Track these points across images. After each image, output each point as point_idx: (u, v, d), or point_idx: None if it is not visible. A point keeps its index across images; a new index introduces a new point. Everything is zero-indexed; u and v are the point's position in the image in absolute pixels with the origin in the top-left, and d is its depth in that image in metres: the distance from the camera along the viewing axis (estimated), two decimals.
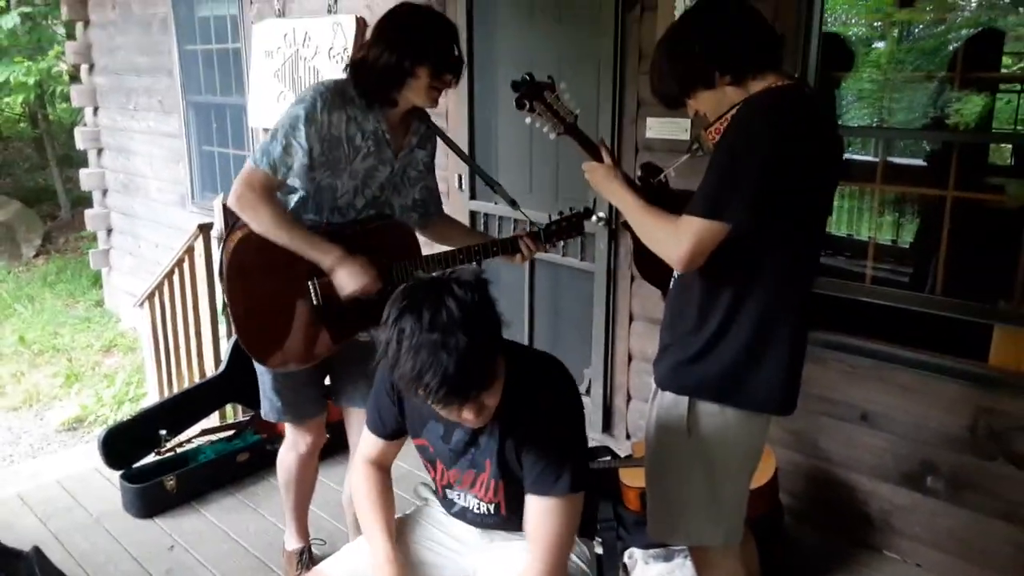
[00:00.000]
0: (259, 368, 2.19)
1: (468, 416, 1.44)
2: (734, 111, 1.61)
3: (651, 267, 1.81)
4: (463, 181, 3.85)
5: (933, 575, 2.62)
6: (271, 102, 4.59)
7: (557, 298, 3.67)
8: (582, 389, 3.57)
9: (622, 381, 3.42)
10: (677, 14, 2.87)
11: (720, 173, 1.54)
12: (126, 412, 5.27)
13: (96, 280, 7.95)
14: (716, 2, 1.68)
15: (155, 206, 6.27)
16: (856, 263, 3.74)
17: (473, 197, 3.84)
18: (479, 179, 3.80)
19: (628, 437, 3.45)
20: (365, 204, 2.11)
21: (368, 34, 2.09)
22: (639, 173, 1.89)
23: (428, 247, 2.22)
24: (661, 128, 3.04)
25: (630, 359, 3.38)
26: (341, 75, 2.06)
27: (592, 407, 3.52)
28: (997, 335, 2.51)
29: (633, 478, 2.55)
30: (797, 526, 2.84)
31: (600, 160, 1.82)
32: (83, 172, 7.04)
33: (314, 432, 2.34)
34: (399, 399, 1.67)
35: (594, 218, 3.21)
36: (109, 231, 7.03)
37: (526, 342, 3.79)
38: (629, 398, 3.43)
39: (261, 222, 1.97)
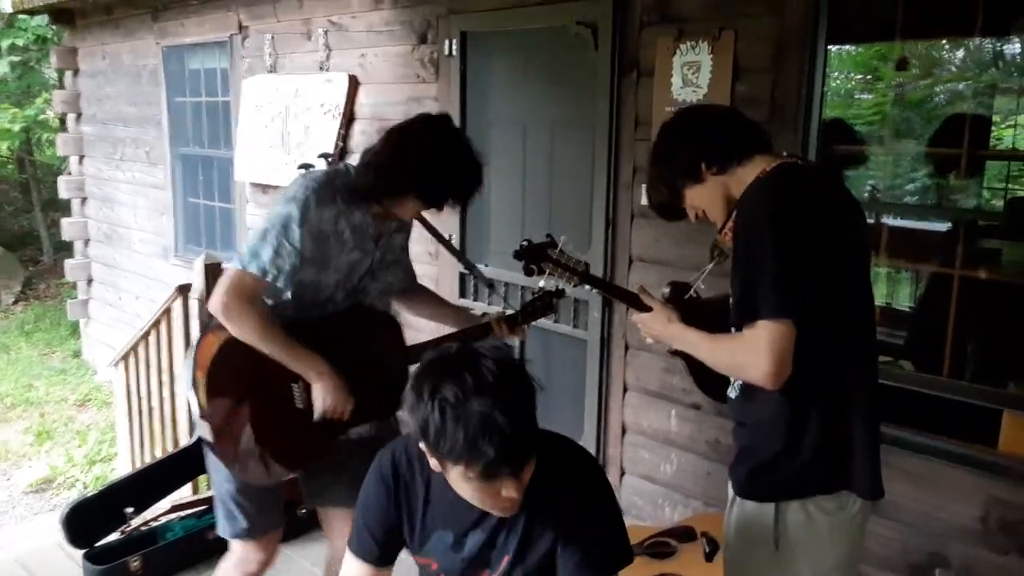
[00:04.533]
0: (220, 476, 2.02)
1: (511, 494, 1.31)
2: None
3: (706, 379, 1.73)
4: (453, 242, 3.75)
5: None
6: (259, 155, 4.52)
7: (548, 366, 3.54)
8: None
9: (615, 454, 3.28)
10: (674, 80, 2.83)
11: (751, 270, 1.43)
12: (96, 473, 5.05)
13: (74, 330, 7.77)
14: (694, 107, 1.75)
15: (137, 257, 6.14)
16: None
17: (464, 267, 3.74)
18: (469, 241, 3.71)
19: (625, 514, 3.29)
20: (344, 296, 2.01)
21: (384, 137, 1.95)
22: (666, 292, 1.79)
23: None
24: None
25: (624, 432, 3.25)
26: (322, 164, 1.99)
27: None
28: (1007, 421, 2.40)
29: (629, 570, 2.38)
30: None
31: (644, 308, 1.72)
32: (65, 221, 6.92)
33: (270, 549, 2.12)
34: (399, 505, 1.52)
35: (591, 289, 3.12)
36: (90, 281, 6.88)
37: None
38: (623, 472, 3.28)
39: (246, 332, 1.85)
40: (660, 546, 2.48)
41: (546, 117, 3.35)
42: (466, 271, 2.25)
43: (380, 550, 1.55)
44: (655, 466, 3.16)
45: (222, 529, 2.06)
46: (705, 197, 1.59)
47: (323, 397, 1.89)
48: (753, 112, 2.66)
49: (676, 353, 1.72)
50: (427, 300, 2.33)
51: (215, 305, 1.85)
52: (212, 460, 1.98)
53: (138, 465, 4.06)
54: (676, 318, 1.65)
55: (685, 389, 3.01)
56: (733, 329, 1.48)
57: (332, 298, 1.97)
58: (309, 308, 1.95)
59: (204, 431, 1.91)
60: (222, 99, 5.08)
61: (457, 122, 3.59)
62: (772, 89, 2.63)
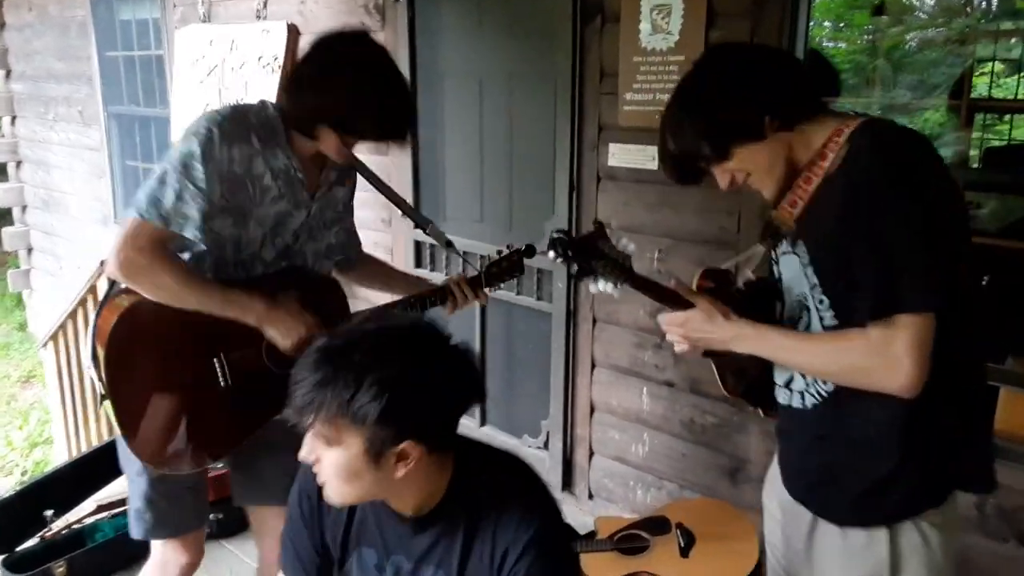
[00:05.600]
0: (132, 469, 1.75)
1: None
2: (825, 168, 1.24)
3: (742, 382, 1.46)
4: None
5: None
6: (196, 115, 4.16)
7: (512, 341, 3.30)
8: (539, 442, 3.22)
9: (583, 434, 3.07)
10: (643, 26, 2.54)
11: (886, 253, 1.14)
12: (37, 457, 4.77)
13: (19, 301, 7.37)
14: (743, 44, 1.38)
15: (76, 224, 5.76)
16: None
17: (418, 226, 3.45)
18: (424, 205, 3.44)
19: (591, 497, 3.10)
20: (275, 256, 1.73)
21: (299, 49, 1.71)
22: (702, 282, 1.45)
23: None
24: (625, 156, 2.70)
25: (592, 410, 3.03)
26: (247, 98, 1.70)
27: (550, 462, 3.16)
28: (1004, 398, 2.22)
29: (599, 568, 2.19)
30: None
31: (686, 304, 1.34)
32: (0, 187, 6.49)
33: (191, 550, 1.87)
34: (323, 518, 1.32)
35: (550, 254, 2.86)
36: (29, 250, 6.48)
37: None
38: (592, 453, 3.08)
39: (160, 288, 1.57)
40: (632, 540, 2.28)
41: (503, 69, 3.05)
42: (422, 231, 1.97)
43: (309, 569, 1.35)
44: (626, 447, 2.96)
45: (134, 529, 1.80)
46: (762, 159, 1.27)
47: (282, 335, 1.63)
48: None
49: (709, 354, 1.40)
50: (376, 268, 2.08)
51: (113, 266, 1.56)
52: (122, 449, 1.71)
53: (74, 453, 3.78)
54: (731, 313, 1.31)
55: (657, 365, 2.79)
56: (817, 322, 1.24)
57: (259, 256, 1.70)
58: (232, 269, 1.68)
59: (109, 412, 1.65)
60: (155, 52, 4.68)
61: (406, 75, 3.29)
62: (751, 37, 2.35)
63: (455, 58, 3.22)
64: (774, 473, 1.52)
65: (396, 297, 1.90)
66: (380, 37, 3.38)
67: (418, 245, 3.47)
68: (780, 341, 1.28)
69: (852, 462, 1.29)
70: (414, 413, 1.11)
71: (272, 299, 1.64)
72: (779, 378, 1.40)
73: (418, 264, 3.47)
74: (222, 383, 1.65)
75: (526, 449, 3.27)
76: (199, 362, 1.64)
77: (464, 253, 3.22)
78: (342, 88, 1.57)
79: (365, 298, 2.31)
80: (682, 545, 2.21)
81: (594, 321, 2.93)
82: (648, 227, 2.70)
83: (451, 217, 3.37)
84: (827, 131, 1.26)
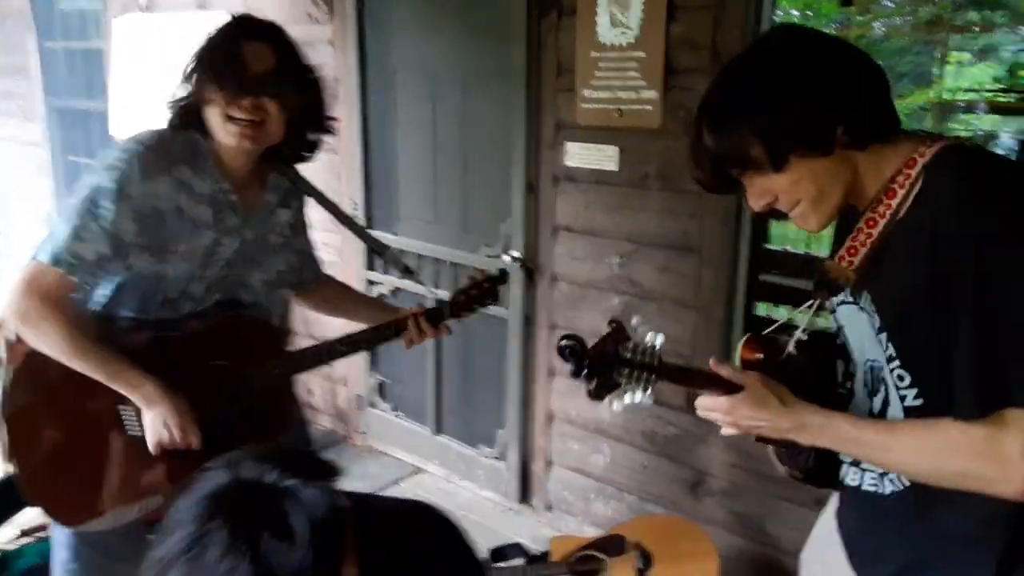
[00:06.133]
0: (56, 535, 1.61)
1: None
2: (893, 207, 1.02)
3: (806, 459, 1.24)
4: (355, 210, 3.30)
5: None
6: (138, 110, 3.95)
7: (467, 348, 3.17)
8: (495, 453, 3.09)
9: (541, 444, 2.96)
10: (600, 20, 2.42)
11: (998, 329, 0.93)
12: None
13: None
14: (808, 29, 1.10)
15: (20, 224, 5.50)
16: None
17: (371, 226, 3.31)
18: (375, 206, 3.29)
19: (549, 509, 2.99)
20: (207, 289, 1.58)
21: None
22: (749, 354, 1.20)
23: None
24: (584, 155, 2.58)
25: (551, 420, 2.92)
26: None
27: (507, 473, 3.04)
28: None
29: None
30: None
31: (730, 387, 1.10)
32: None
33: None
34: None
35: (509, 257, 2.75)
36: None
37: (431, 399, 3.29)
38: (550, 464, 2.96)
39: (45, 343, 1.44)
40: (587, 561, 2.17)
41: (457, 63, 2.91)
42: (379, 256, 1.81)
43: None
44: (585, 458, 2.84)
45: None
46: (820, 180, 1.03)
47: (154, 427, 1.49)
48: (692, 59, 2.29)
49: (763, 439, 1.16)
50: (336, 293, 1.92)
51: (10, 311, 1.44)
52: None
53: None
54: (790, 395, 1.09)
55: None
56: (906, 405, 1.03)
57: (188, 294, 1.56)
58: (156, 308, 1.53)
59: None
60: (96, 44, 4.46)
61: (355, 70, 3.15)
62: (713, 30, 2.25)
63: (407, 52, 3.07)
64: (824, 537, 1.34)
65: (358, 326, 1.74)
66: (327, 29, 3.23)
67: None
68: (856, 435, 1.05)
69: (948, 558, 1.08)
70: None
71: (165, 384, 1.49)
72: (847, 456, 1.20)
73: (370, 266, 3.32)
74: (131, 432, 1.53)
75: (482, 460, 3.14)
76: (105, 408, 1.51)
77: (418, 258, 3.09)
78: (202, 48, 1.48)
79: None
80: (639, 567, 2.10)
81: (553, 327, 2.82)
82: (609, 231, 2.58)
83: (404, 217, 3.23)
84: (900, 158, 1.03)
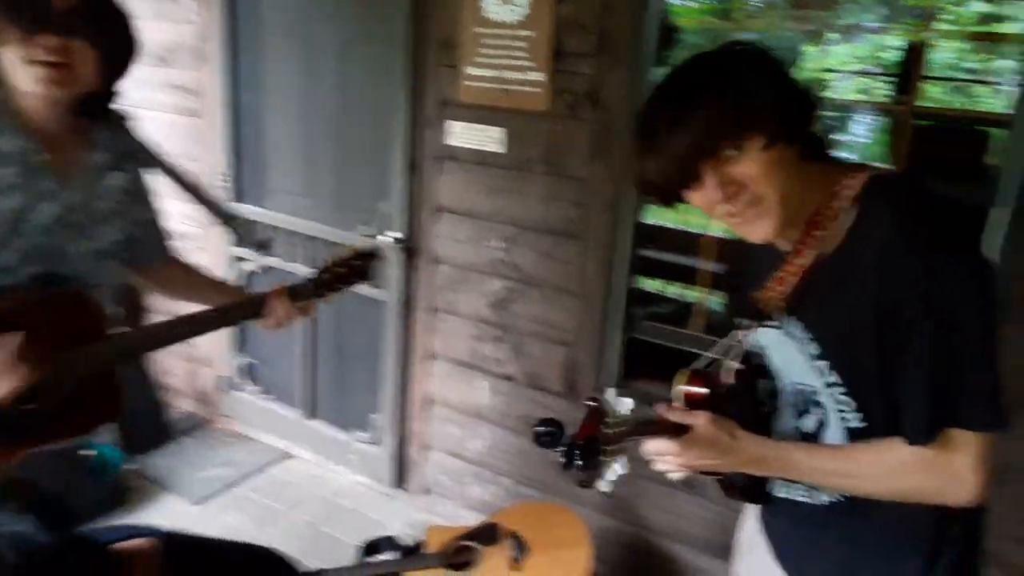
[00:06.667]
0: None
1: None
2: (820, 237, 1.03)
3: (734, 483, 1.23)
4: (221, 181, 3.09)
5: None
6: None
7: (342, 330, 3.05)
8: (369, 438, 3.00)
9: (419, 429, 2.89)
10: None
11: (946, 358, 0.96)
12: None
13: None
14: (737, 47, 1.06)
15: None
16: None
17: (239, 199, 3.10)
18: (244, 179, 3.08)
19: (427, 493, 2.93)
20: (21, 260, 1.38)
21: None
22: (693, 392, 1.16)
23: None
24: (468, 135, 2.50)
25: (428, 404, 2.85)
26: None
27: (381, 458, 2.96)
28: None
29: None
30: None
31: (676, 429, 1.06)
32: None
33: None
34: None
35: (390, 238, 2.64)
36: None
37: (302, 382, 3.15)
38: (427, 448, 2.90)
39: None
40: (461, 553, 2.13)
41: (336, 29, 2.75)
42: (222, 222, 1.65)
43: None
44: (464, 442, 2.81)
45: None
46: (775, 173, 1.00)
47: None
48: (580, 42, 2.25)
49: (709, 472, 1.14)
50: (179, 273, 1.72)
51: None
52: None
53: None
54: (738, 429, 1.08)
55: (498, 359, 2.64)
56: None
57: None
58: None
59: None
60: None
61: (222, 28, 2.92)
62: (602, 14, 2.21)
63: (279, 15, 2.87)
64: (751, 543, 1.37)
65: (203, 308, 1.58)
66: None
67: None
68: (813, 465, 1.07)
69: (883, 555, 1.14)
70: None
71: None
72: None
73: (241, 243, 3.12)
74: None
75: (356, 444, 3.04)
76: None
77: (272, 247, 2.92)
78: None
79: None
80: (514, 556, 2.08)
81: (435, 310, 2.74)
82: (491, 214, 2.53)
83: (274, 191, 3.04)
84: (825, 187, 1.04)
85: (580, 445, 1.00)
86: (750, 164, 0.99)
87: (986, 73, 8.01)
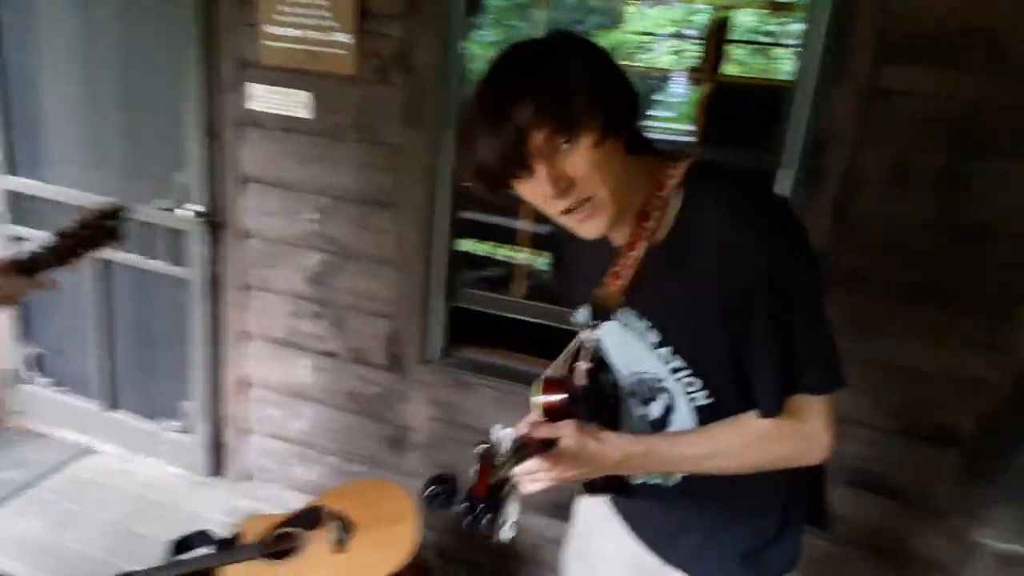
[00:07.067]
0: None
1: None
2: (650, 228, 1.04)
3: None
4: None
5: None
6: None
7: (144, 313, 2.81)
8: (180, 426, 2.81)
9: (235, 413, 2.74)
10: None
11: (791, 327, 0.99)
12: None
13: None
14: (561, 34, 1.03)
15: None
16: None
17: (12, 171, 2.75)
18: (17, 150, 2.75)
19: (248, 479, 2.79)
20: None
21: None
22: (551, 402, 1.10)
23: None
24: (272, 100, 2.34)
25: (246, 387, 2.70)
26: None
27: (195, 446, 2.78)
28: None
29: None
30: (445, 567, 2.49)
31: (543, 444, 1.01)
32: None
33: None
34: None
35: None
36: None
37: (99, 373, 2.88)
38: (245, 432, 2.76)
39: None
40: (281, 541, 2.04)
41: None
42: None
43: None
44: (284, 423, 2.69)
45: None
46: (611, 163, 0.99)
47: None
48: (386, 3, 2.16)
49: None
50: None
51: None
52: None
53: None
54: (603, 432, 1.06)
55: (318, 336, 2.54)
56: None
57: None
58: None
59: None
60: None
61: None
62: None
63: None
64: (588, 532, 1.41)
65: None
66: None
67: (13, 198, 2.77)
68: (678, 452, 1.09)
69: (742, 521, 1.18)
70: None
71: None
72: None
73: (18, 220, 2.78)
74: None
75: (166, 434, 2.84)
76: None
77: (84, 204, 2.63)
78: None
79: None
80: (338, 538, 2.02)
81: (245, 288, 2.58)
82: (301, 184, 2.40)
83: (55, 162, 2.72)
84: (651, 178, 1.05)
85: (483, 499, 0.95)
86: (582, 159, 0.97)
87: (783, 36, 8.65)
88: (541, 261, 3.50)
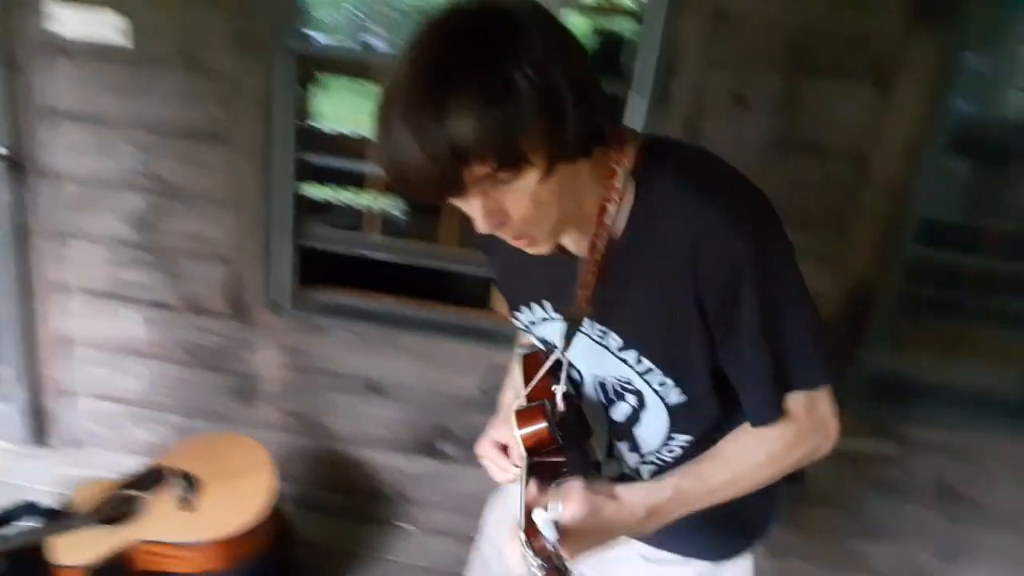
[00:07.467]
0: None
1: None
2: (608, 226, 0.92)
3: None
4: None
5: (448, 538, 2.45)
6: None
7: None
8: None
9: (55, 375, 2.49)
10: None
11: (783, 326, 0.91)
12: None
13: None
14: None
15: None
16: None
17: None
18: None
19: (78, 446, 2.57)
20: None
21: None
22: (530, 431, 0.99)
23: None
24: (80, 24, 2.09)
25: (68, 345, 2.46)
26: None
27: (11, 415, 2.51)
28: None
29: (79, 549, 1.75)
30: (304, 515, 2.41)
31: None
32: None
33: None
34: None
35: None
36: None
37: None
38: (70, 396, 2.52)
39: None
40: (119, 505, 1.89)
41: None
42: None
43: None
44: (114, 382, 2.48)
45: None
46: (553, 204, 0.85)
47: None
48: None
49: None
50: None
51: None
52: None
53: None
54: (615, 488, 0.94)
55: (147, 285, 2.34)
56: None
57: None
58: None
59: None
60: None
61: None
62: None
63: None
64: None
65: None
66: None
67: None
68: (705, 488, 0.98)
69: (707, 535, 1.13)
70: None
71: None
72: (600, 453, 1.14)
73: None
74: None
75: None
76: None
77: None
78: None
79: None
80: (183, 496, 1.90)
81: (59, 237, 2.33)
82: (121, 119, 2.17)
83: None
84: (602, 176, 0.92)
85: None
86: (524, 196, 0.83)
87: None
88: (391, 204, 3.40)
